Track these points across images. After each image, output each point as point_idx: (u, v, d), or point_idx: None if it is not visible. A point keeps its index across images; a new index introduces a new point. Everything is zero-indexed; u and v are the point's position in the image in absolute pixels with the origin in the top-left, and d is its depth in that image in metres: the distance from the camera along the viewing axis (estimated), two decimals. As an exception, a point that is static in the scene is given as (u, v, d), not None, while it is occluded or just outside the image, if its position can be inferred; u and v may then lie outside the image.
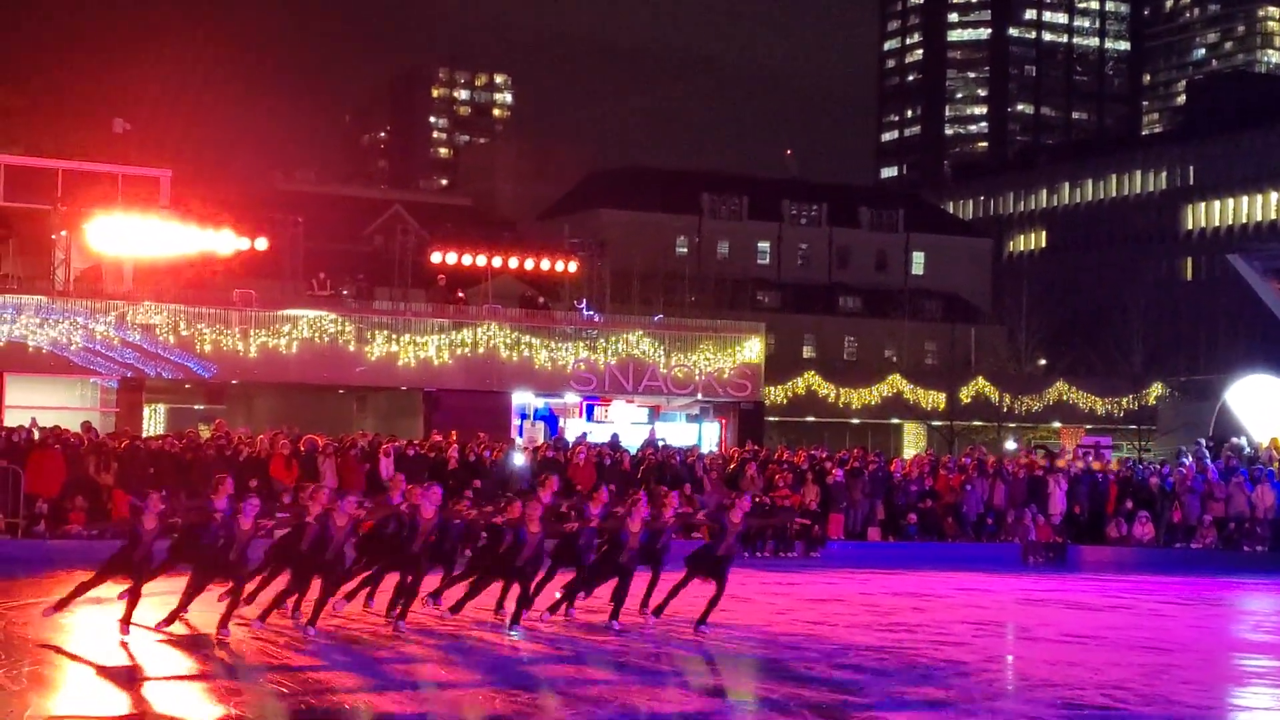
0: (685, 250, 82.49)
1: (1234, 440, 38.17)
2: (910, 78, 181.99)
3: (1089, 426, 57.30)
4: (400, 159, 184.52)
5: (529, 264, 41.64)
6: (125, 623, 16.11)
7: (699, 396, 40.22)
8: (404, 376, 37.02)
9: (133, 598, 16.32)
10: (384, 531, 18.14)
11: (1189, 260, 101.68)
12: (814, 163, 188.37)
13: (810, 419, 58.93)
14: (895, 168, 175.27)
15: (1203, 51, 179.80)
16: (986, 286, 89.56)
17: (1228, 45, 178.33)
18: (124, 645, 15.44)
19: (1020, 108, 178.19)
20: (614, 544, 18.07)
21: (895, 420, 61.88)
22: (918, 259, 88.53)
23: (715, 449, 37.26)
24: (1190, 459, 34.86)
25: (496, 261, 41.27)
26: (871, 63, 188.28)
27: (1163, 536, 31.25)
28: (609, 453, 31.11)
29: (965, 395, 60.80)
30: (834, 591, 23.79)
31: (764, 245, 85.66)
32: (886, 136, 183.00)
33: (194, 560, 16.95)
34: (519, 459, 30.06)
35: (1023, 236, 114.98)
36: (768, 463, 31.74)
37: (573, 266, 42.46)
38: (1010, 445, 53.78)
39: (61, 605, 16.62)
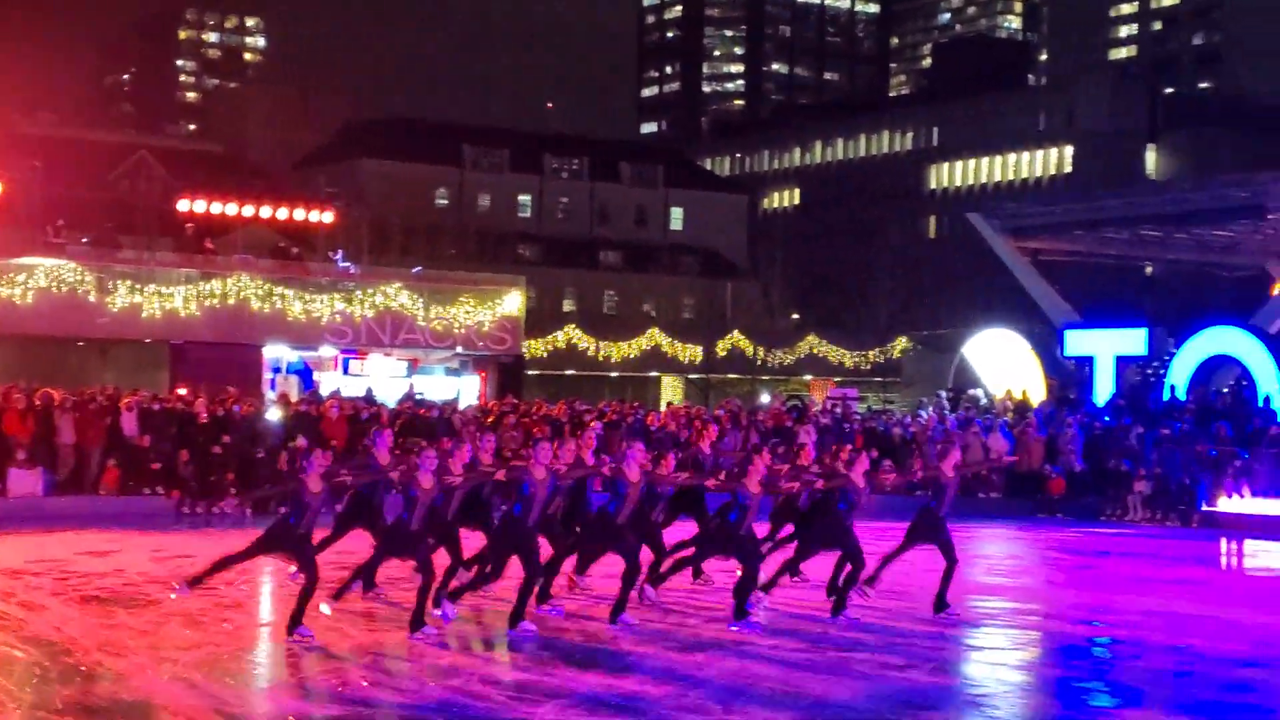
0: (446, 202, 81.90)
1: (971, 391, 39.76)
2: (670, 34, 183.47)
3: (838, 379, 58.89)
4: (146, 103, 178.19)
5: (282, 213, 40.76)
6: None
7: (458, 350, 40.01)
8: (148, 328, 35.85)
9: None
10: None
11: (933, 219, 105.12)
12: (575, 117, 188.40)
13: (570, 372, 59.20)
14: (655, 124, 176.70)
15: (947, 16, 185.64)
16: (743, 243, 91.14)
17: (970, 10, 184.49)
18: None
19: (775, 67, 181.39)
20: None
21: (654, 373, 62.60)
22: (676, 215, 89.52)
23: (475, 403, 37.16)
24: (931, 410, 36.13)
25: (248, 210, 40.25)
26: (632, 18, 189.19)
27: (904, 484, 32.27)
28: (364, 407, 30.76)
29: (721, 349, 61.85)
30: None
31: (525, 198, 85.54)
32: (647, 92, 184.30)
33: (373, 531, 15.03)
34: (273, 414, 29.50)
35: (777, 194, 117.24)
36: (525, 415, 31.80)
37: (328, 217, 41.73)
38: (765, 398, 54.95)
39: (198, 581, 14.10)
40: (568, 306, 78.22)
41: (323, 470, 13.79)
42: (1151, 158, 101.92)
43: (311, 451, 14.30)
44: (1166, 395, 34.85)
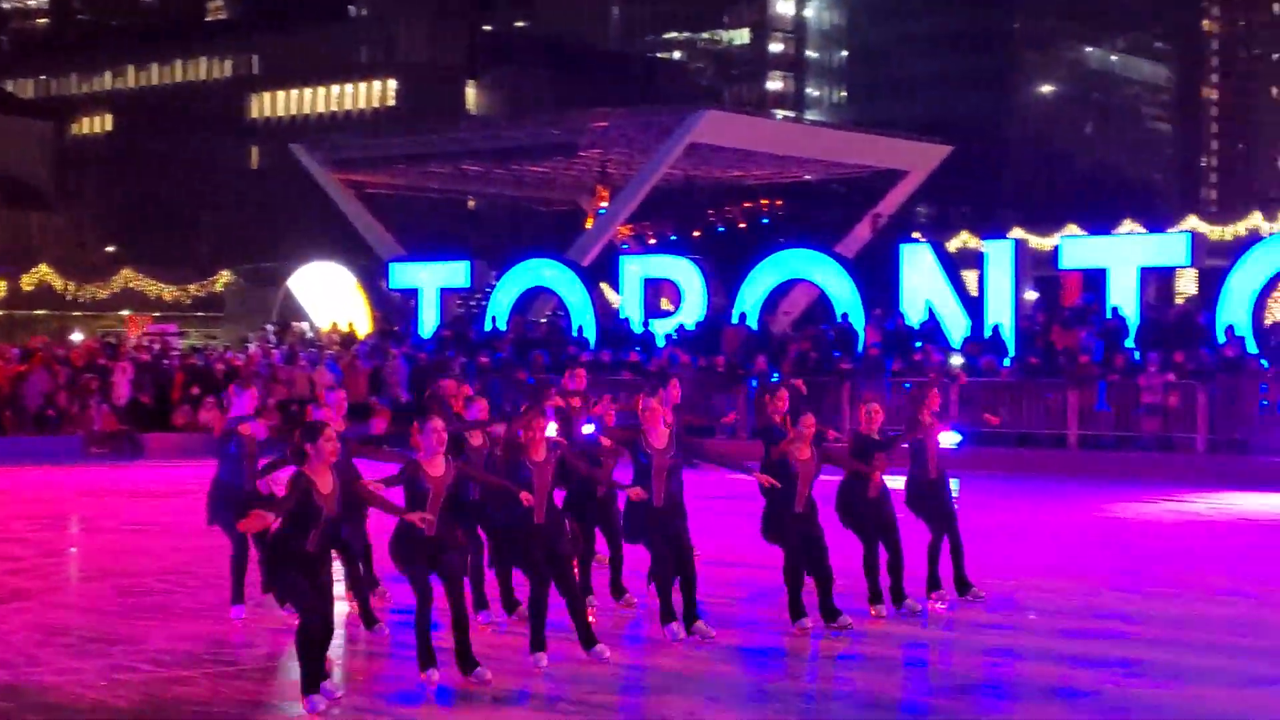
0: None
1: (296, 325, 39.22)
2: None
3: (158, 314, 56.64)
4: None
5: None
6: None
7: None
8: None
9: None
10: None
11: (256, 149, 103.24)
12: None
13: None
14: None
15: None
16: (49, 171, 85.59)
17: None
18: None
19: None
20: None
21: (-51, 311, 57.64)
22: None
23: None
24: (256, 344, 35.27)
25: None
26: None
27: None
28: None
29: (27, 284, 57.89)
30: None
31: None
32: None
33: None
34: None
35: (88, 120, 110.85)
36: None
37: None
38: (76, 335, 51.89)
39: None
40: None
41: (443, 443, 9.87)
42: (472, 94, 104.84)
43: (428, 415, 9.98)
44: (488, 326, 35.77)
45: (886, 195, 44.07)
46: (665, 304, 36.00)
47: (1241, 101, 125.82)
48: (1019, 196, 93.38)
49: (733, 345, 30.71)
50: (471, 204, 69.50)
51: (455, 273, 38.19)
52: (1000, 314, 29.47)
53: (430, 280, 38.09)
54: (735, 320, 32.12)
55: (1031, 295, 33.09)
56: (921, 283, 30.66)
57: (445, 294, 37.99)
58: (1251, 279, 27.76)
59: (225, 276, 59.39)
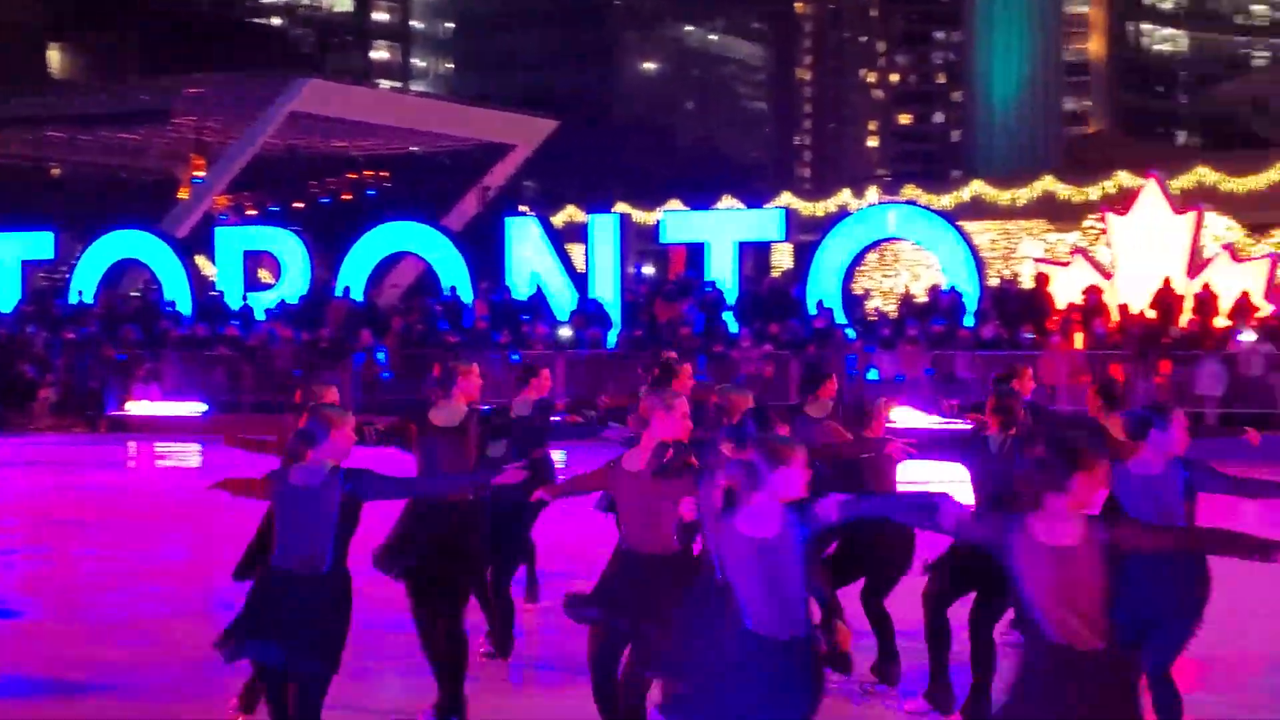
0: None
1: None
2: None
3: None
4: None
5: None
6: None
7: None
8: None
9: None
10: None
11: None
12: None
13: None
14: None
15: None
16: None
17: None
18: None
19: None
20: None
21: None
22: None
23: None
24: None
25: None
26: None
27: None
28: None
29: None
30: None
31: None
32: None
33: None
34: None
35: None
36: None
37: None
38: None
39: None
40: None
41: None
42: (55, 56, 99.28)
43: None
44: (74, 299, 33.89)
45: (493, 168, 43.98)
46: (265, 277, 34.91)
47: (833, 82, 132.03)
48: (625, 172, 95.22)
49: (337, 319, 30.01)
50: (56, 172, 65.77)
51: (38, 244, 35.95)
52: (605, 287, 29.81)
53: (10, 252, 35.75)
54: (339, 294, 31.42)
55: (649, 270, 33.71)
56: (528, 256, 30.72)
57: (27, 266, 35.75)
58: (840, 253, 29.02)
59: None
